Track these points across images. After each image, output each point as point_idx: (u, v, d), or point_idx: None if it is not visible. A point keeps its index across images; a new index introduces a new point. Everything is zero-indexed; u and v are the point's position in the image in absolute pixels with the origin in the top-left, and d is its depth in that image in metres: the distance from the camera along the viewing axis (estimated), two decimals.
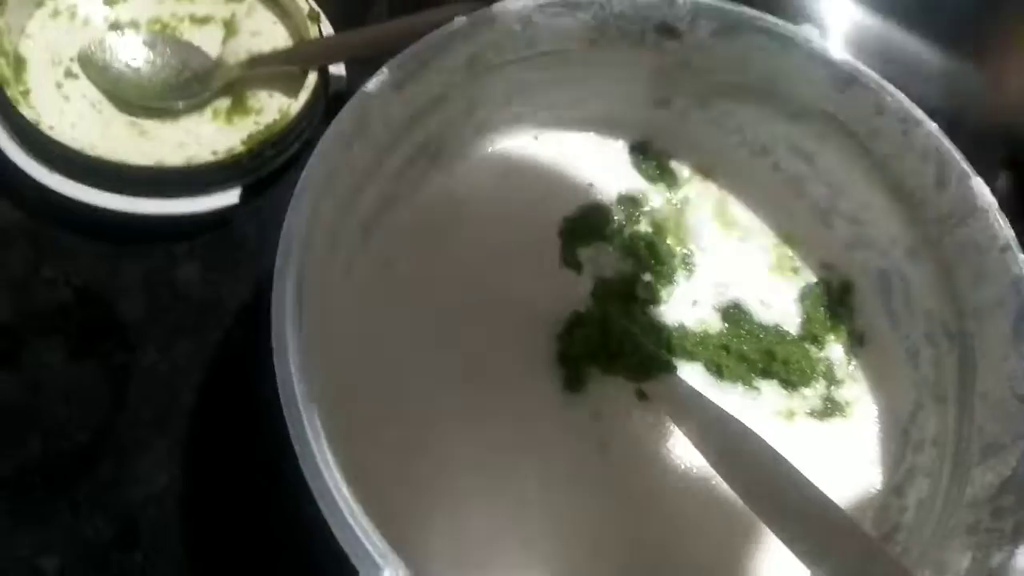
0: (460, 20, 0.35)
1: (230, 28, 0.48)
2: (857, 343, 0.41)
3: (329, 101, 0.46)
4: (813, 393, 0.39)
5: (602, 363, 0.37)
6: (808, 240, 0.43)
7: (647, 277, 0.40)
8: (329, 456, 0.28)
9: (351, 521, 0.26)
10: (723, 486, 0.35)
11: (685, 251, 0.42)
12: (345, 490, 0.27)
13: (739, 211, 0.43)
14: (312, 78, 0.44)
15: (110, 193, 0.40)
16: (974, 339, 0.35)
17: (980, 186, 0.35)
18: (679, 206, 0.43)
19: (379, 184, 0.37)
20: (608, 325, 0.37)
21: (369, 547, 0.25)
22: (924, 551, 0.33)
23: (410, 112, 0.36)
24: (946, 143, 0.35)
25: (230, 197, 0.42)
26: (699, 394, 0.35)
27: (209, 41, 0.47)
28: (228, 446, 0.38)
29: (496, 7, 0.35)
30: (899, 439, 0.38)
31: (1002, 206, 0.34)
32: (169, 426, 0.38)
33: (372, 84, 0.32)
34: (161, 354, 0.40)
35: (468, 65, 0.36)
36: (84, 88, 0.44)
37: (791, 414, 0.39)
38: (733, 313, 0.40)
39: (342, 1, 0.50)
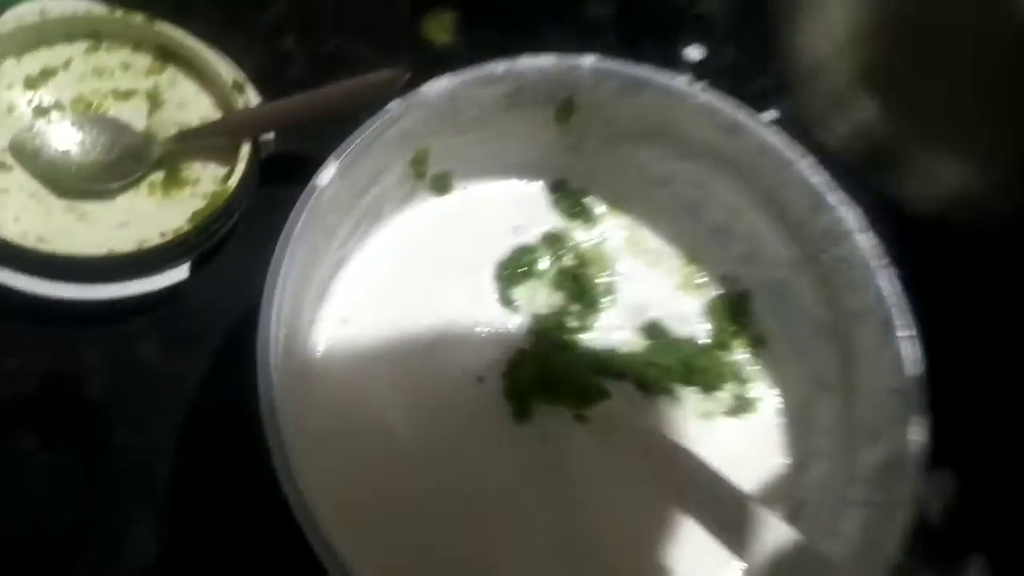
0: (396, 104, 0.38)
1: (154, 100, 0.49)
2: (759, 345, 0.47)
3: (263, 165, 0.48)
4: (726, 395, 0.45)
5: (546, 396, 0.42)
6: (709, 258, 0.49)
7: (576, 308, 0.46)
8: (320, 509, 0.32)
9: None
10: (658, 490, 0.41)
11: (607, 280, 0.47)
12: (342, 545, 0.32)
13: (649, 238, 0.49)
14: (246, 148, 0.47)
15: (63, 283, 0.42)
16: (853, 340, 0.41)
17: (847, 212, 0.41)
18: (597, 239, 0.48)
19: (330, 256, 0.40)
20: (548, 361, 0.42)
21: None
22: (827, 523, 0.39)
23: (354, 190, 0.39)
24: (816, 177, 0.42)
25: (180, 272, 0.44)
26: (630, 413, 0.41)
27: (136, 116, 0.48)
28: (213, 507, 0.41)
29: (425, 89, 0.39)
30: (798, 427, 0.44)
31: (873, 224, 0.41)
32: (151, 497, 0.41)
33: (322, 178, 0.36)
34: (132, 431, 0.42)
35: (401, 140, 0.40)
36: (19, 178, 0.45)
37: (710, 415, 0.45)
38: (652, 331, 0.46)
39: (257, 63, 0.52)
